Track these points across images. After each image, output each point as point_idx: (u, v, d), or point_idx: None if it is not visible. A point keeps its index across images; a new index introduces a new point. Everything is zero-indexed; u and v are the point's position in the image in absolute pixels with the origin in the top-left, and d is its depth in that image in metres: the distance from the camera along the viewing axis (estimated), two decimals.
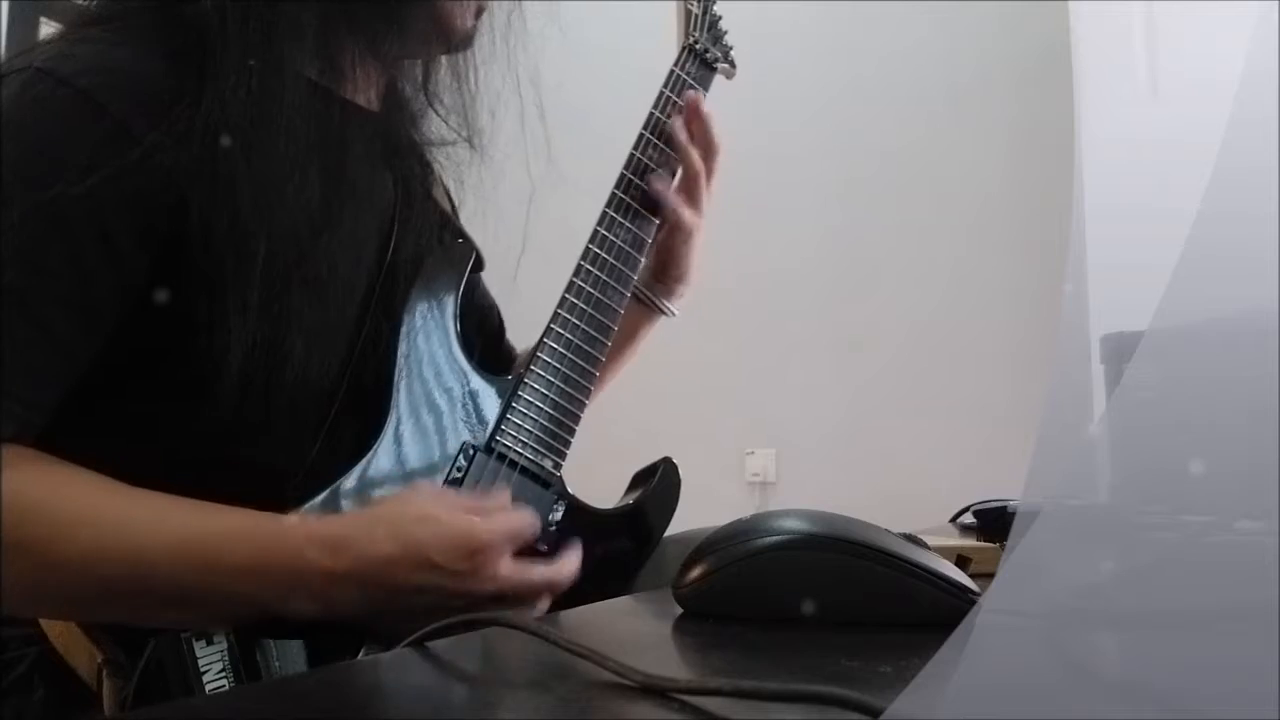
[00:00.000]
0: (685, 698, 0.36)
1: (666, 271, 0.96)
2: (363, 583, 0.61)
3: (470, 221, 0.92)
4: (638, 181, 0.91)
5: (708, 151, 0.92)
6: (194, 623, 0.61)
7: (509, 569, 0.65)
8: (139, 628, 0.62)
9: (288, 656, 0.63)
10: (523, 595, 0.66)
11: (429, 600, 0.62)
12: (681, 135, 0.92)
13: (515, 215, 0.89)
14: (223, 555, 0.60)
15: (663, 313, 0.99)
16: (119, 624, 0.64)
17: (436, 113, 0.84)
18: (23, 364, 0.60)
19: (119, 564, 0.59)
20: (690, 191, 0.92)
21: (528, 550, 0.68)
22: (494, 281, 0.96)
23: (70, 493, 0.60)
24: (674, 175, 0.95)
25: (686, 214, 0.91)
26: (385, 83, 0.82)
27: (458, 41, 0.80)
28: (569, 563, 0.71)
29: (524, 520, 0.67)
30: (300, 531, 0.62)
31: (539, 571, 0.68)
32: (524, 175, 0.86)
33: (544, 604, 0.70)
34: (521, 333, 0.98)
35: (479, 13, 0.80)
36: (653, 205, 0.90)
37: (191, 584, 0.60)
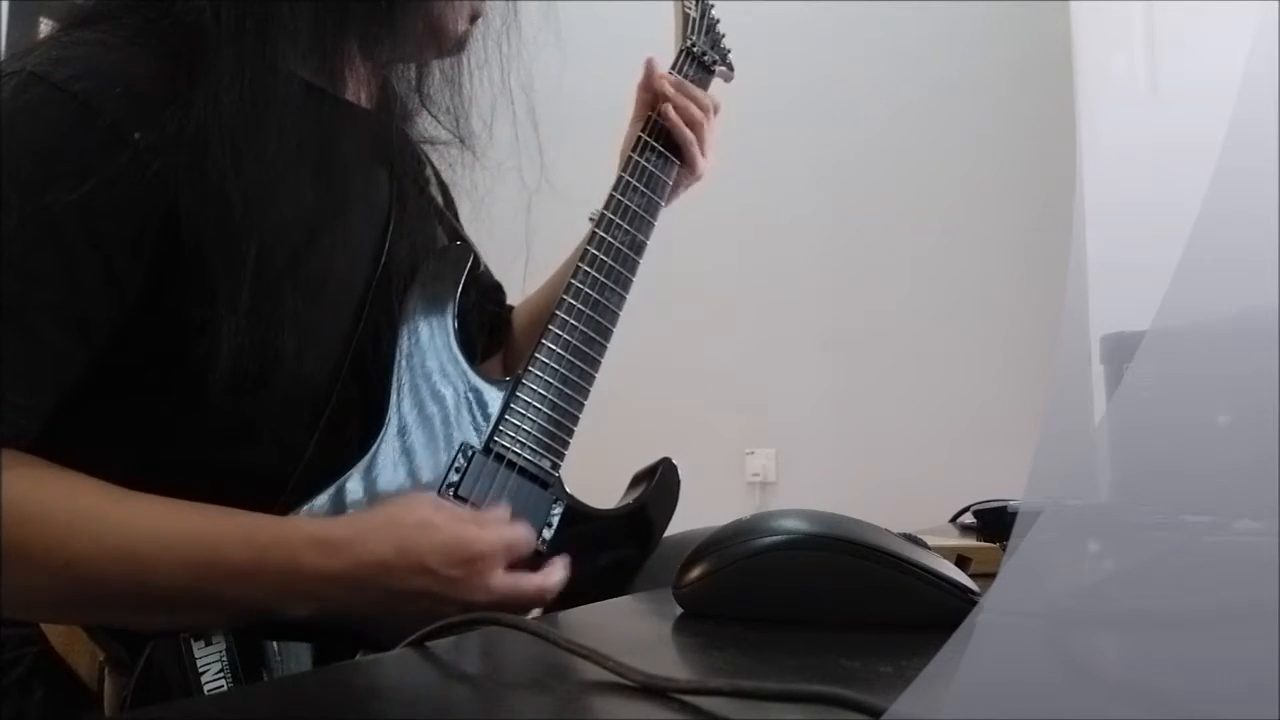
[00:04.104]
0: (685, 698, 0.36)
1: None
2: (358, 585, 0.61)
3: (466, 226, 0.92)
4: (637, 184, 0.91)
5: (694, 122, 0.95)
6: (190, 625, 0.61)
7: (501, 580, 0.66)
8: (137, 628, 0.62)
9: (286, 657, 0.63)
10: (511, 606, 0.66)
11: (422, 606, 0.62)
12: (683, 131, 0.92)
13: (511, 219, 0.89)
14: (220, 557, 0.60)
15: None
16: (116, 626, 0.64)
17: (431, 114, 0.84)
18: (15, 369, 0.60)
19: (116, 566, 0.58)
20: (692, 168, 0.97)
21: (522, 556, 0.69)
22: None
23: (66, 496, 0.60)
24: (674, 174, 0.95)
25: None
26: (378, 85, 0.81)
27: (451, 45, 0.80)
28: (558, 572, 0.72)
29: (521, 534, 0.68)
30: (299, 534, 0.62)
31: (529, 582, 0.69)
32: (519, 179, 0.86)
33: (533, 611, 0.70)
34: None
35: (474, 17, 0.80)
36: (652, 208, 0.91)
37: (188, 586, 0.60)
